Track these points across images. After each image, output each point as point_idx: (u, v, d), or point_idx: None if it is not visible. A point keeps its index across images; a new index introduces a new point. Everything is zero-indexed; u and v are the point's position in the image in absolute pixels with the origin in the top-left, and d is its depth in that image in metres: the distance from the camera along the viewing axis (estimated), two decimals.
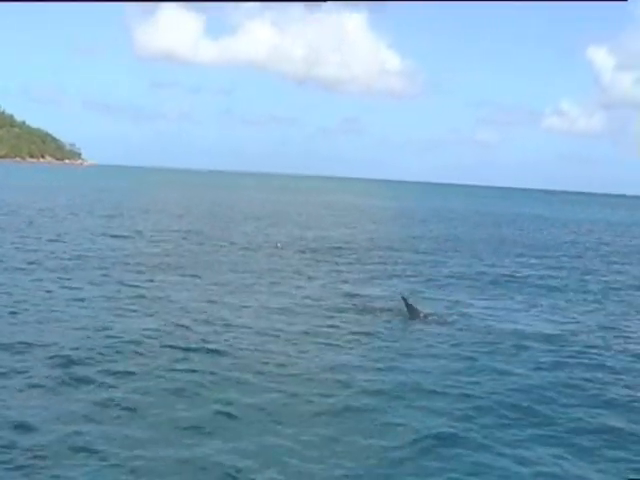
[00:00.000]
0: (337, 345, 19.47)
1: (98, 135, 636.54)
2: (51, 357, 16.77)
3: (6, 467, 11.07)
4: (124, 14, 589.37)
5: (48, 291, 24.85)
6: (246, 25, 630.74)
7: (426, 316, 23.34)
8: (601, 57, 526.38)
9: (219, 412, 13.69)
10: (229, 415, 13.67)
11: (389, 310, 24.33)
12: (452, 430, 13.39)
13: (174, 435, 12.52)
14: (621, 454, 12.91)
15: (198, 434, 12.68)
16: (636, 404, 15.70)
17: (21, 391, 14.49)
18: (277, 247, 42.65)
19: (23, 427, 12.52)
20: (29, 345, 17.68)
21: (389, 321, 22.86)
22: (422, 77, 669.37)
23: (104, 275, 28.85)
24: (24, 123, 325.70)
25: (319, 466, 11.51)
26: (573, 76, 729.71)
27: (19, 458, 11.39)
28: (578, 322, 24.82)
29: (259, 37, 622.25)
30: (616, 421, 14.56)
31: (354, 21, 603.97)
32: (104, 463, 11.39)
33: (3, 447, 11.74)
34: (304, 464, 11.57)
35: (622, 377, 17.78)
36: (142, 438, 12.34)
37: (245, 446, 12.19)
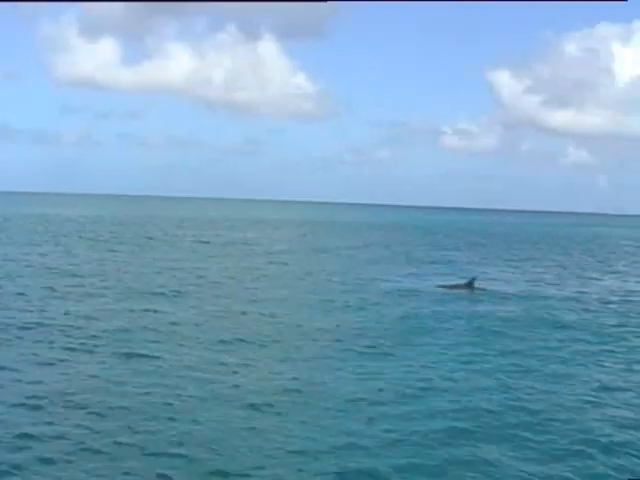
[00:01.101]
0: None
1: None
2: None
3: None
4: (40, 41, 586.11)
5: None
6: (164, 51, 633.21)
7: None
8: (506, 79, 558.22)
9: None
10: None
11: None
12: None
13: None
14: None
15: None
16: None
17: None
18: None
19: None
20: None
21: None
22: (332, 99, 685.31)
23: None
24: None
25: None
26: (478, 97, 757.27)
27: None
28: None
29: (177, 63, 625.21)
30: None
31: (268, 46, 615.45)
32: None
33: None
34: None
35: None
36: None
37: None
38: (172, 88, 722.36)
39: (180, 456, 12.47)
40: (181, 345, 20.98)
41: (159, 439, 13.22)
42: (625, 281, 45.25)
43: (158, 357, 19.41)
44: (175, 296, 30.51)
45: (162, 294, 30.81)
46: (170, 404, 15.27)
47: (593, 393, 17.62)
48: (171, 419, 14.30)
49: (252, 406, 15.46)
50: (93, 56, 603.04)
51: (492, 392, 17.28)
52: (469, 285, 33.60)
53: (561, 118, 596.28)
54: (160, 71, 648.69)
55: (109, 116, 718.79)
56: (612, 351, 22.87)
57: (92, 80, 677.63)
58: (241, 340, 22.07)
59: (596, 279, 45.60)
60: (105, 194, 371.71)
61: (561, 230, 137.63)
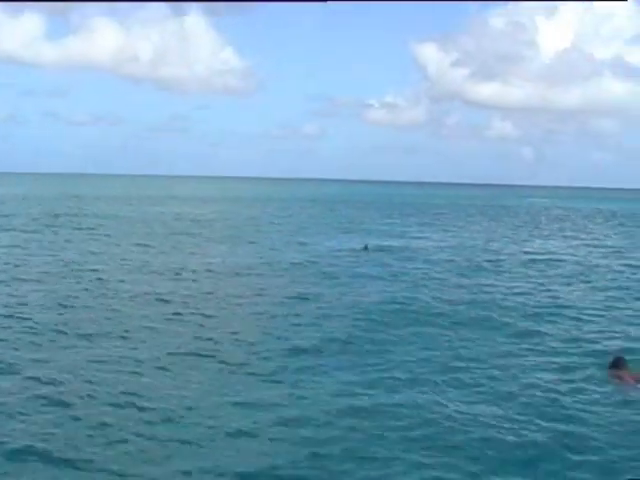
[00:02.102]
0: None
1: None
2: None
3: None
4: None
5: None
6: (90, 26, 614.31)
7: None
8: (433, 53, 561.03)
9: None
10: None
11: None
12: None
13: None
14: None
15: None
16: None
17: None
18: None
19: None
20: None
21: None
22: (260, 74, 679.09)
23: None
24: None
25: None
26: (405, 71, 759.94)
27: None
28: None
29: (102, 38, 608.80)
30: None
31: (196, 21, 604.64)
32: None
33: None
34: None
35: None
36: None
37: None
38: (98, 64, 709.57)
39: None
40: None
41: None
42: (544, 242, 47.34)
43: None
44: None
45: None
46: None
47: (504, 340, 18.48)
48: None
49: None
50: (16, 31, 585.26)
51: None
52: (365, 248, 38.26)
53: (487, 91, 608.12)
54: (85, 47, 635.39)
55: (34, 93, 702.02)
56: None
57: (16, 56, 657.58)
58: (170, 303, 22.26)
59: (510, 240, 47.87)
60: (30, 173, 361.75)
61: (489, 201, 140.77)
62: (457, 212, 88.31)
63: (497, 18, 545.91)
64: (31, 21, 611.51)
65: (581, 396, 13.61)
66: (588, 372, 15.23)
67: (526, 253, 39.08)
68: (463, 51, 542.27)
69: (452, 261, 34.27)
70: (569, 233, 56.55)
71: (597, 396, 13.62)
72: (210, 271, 28.67)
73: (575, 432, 11.82)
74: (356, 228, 54.15)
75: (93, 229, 46.08)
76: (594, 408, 12.91)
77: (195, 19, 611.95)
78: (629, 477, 10.41)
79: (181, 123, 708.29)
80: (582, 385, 14.33)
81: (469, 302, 22.97)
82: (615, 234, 57.78)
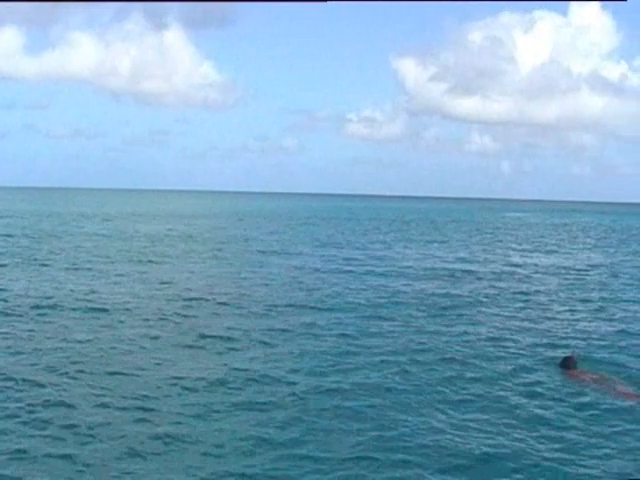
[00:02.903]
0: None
1: None
2: None
3: None
4: None
5: None
6: (69, 40, 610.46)
7: None
8: (411, 67, 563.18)
9: None
10: None
11: None
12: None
13: None
14: None
15: None
16: None
17: None
18: None
19: None
20: None
21: None
22: (239, 88, 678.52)
23: None
24: None
25: None
26: (384, 85, 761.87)
27: None
28: None
29: (83, 52, 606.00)
30: None
31: (175, 35, 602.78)
32: None
33: None
34: None
35: None
36: None
37: None
38: (78, 78, 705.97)
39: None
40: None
41: None
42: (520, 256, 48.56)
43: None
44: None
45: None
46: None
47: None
48: None
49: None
50: None
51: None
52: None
53: (466, 105, 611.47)
54: (65, 60, 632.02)
55: (14, 107, 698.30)
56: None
57: None
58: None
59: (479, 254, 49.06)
60: (8, 187, 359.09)
61: (469, 215, 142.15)
62: (436, 227, 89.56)
63: (475, 32, 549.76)
64: (10, 34, 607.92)
65: (537, 392, 14.86)
66: (546, 369, 16.62)
67: (504, 265, 40.47)
68: (441, 65, 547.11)
69: (433, 272, 35.69)
70: (547, 247, 57.66)
71: (553, 393, 14.80)
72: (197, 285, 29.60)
73: (531, 429, 12.76)
74: (337, 243, 54.93)
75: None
76: (551, 408, 13.91)
77: (174, 33, 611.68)
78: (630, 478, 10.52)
79: (161, 137, 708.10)
80: (539, 382, 15.59)
81: (445, 308, 25.11)
82: (593, 247, 59.69)
